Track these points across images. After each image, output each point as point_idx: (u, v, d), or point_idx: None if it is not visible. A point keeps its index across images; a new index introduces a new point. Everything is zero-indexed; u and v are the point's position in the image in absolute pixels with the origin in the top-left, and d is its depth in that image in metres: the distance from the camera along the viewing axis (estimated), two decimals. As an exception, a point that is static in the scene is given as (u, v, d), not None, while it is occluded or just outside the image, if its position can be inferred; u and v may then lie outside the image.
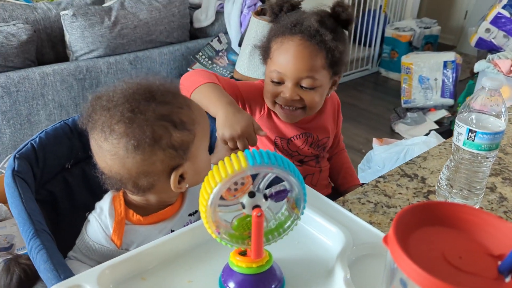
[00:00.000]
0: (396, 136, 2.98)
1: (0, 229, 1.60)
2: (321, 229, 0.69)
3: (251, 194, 0.55)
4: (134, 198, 0.80)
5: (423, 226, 0.44)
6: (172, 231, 0.80)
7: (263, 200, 0.55)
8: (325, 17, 1.05)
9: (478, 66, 2.58)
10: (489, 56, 2.64)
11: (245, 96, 1.13)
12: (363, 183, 1.21)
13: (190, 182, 0.78)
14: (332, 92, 1.19)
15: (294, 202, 0.58)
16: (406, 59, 3.35)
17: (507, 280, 0.39)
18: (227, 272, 0.59)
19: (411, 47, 3.86)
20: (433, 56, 3.27)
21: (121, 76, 2.23)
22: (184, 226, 0.80)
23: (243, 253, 0.58)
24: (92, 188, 0.90)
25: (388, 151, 2.00)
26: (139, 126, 0.69)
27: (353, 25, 1.10)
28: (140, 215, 0.79)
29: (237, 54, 2.50)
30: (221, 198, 0.54)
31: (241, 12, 2.50)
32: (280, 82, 1.06)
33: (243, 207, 0.55)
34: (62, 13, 2.12)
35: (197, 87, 0.97)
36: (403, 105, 3.31)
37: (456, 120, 0.81)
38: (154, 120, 0.70)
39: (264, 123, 1.15)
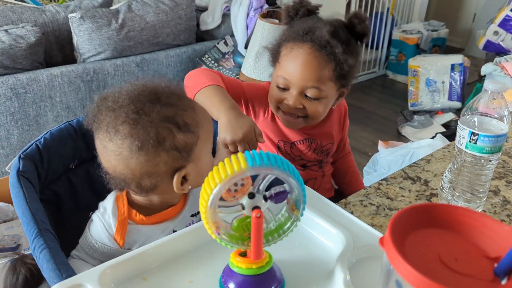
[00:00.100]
0: (403, 139, 2.97)
1: (7, 229, 1.62)
2: (321, 231, 0.69)
3: (251, 195, 0.55)
4: (137, 198, 0.80)
5: (420, 228, 0.44)
6: (174, 231, 0.80)
7: (263, 201, 0.56)
8: (339, 27, 1.02)
9: (485, 69, 2.56)
10: (496, 59, 2.63)
11: (249, 96, 1.13)
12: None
13: (193, 183, 0.78)
14: None
15: (294, 203, 0.58)
16: (413, 62, 3.34)
17: (503, 282, 0.39)
18: (227, 273, 0.60)
19: (418, 49, 3.84)
20: (440, 59, 3.26)
21: (128, 78, 2.25)
22: (186, 226, 0.80)
23: (243, 254, 0.59)
24: (96, 189, 0.91)
25: (393, 154, 1.99)
26: (144, 127, 0.70)
27: (368, 39, 1.08)
28: (143, 215, 0.80)
29: (243, 57, 2.51)
30: (221, 199, 0.54)
31: (248, 14, 2.51)
32: (285, 89, 1.04)
33: (243, 208, 0.56)
34: (70, 15, 2.14)
35: (200, 89, 0.97)
36: (410, 108, 3.30)
37: (459, 123, 0.81)
38: (158, 121, 0.71)
39: (268, 126, 1.15)
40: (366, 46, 3.93)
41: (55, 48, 2.24)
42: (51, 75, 2.03)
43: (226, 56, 2.57)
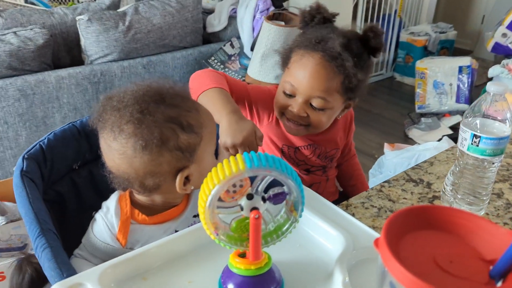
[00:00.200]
0: (409, 141, 2.95)
1: (15, 228, 1.63)
2: (321, 232, 0.69)
3: (249, 196, 0.55)
4: (140, 198, 0.81)
5: (416, 230, 0.44)
6: (176, 231, 0.81)
7: (261, 202, 0.56)
8: (353, 40, 1.00)
9: (493, 71, 2.55)
10: (504, 61, 2.61)
11: (253, 99, 1.12)
12: (370, 189, 1.20)
13: (195, 184, 0.79)
14: None
15: (293, 205, 0.58)
16: (421, 64, 3.32)
17: (498, 285, 0.39)
18: (227, 274, 0.60)
19: (426, 52, 3.82)
20: (448, 61, 3.24)
21: (135, 80, 2.26)
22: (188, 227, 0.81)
23: (242, 255, 0.59)
24: (99, 189, 0.92)
25: (399, 157, 1.98)
26: (148, 127, 0.71)
27: (381, 54, 1.05)
28: (146, 215, 0.80)
29: (249, 59, 2.51)
30: (220, 199, 0.54)
31: (254, 17, 2.52)
32: (291, 95, 1.04)
33: (241, 209, 0.56)
34: (78, 18, 2.16)
35: (203, 91, 0.98)
36: (417, 111, 3.28)
37: (461, 125, 0.80)
38: (162, 121, 0.72)
39: (272, 130, 1.15)
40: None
41: (63, 50, 2.26)
42: (58, 76, 2.05)
43: (232, 58, 2.58)
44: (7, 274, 1.44)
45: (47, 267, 0.64)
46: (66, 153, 0.88)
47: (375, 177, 2.06)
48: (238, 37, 2.63)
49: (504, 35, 3.10)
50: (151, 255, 0.64)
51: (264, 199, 0.56)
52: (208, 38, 2.66)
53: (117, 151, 0.73)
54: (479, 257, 0.42)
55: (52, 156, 0.85)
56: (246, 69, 2.50)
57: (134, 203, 0.81)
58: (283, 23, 2.38)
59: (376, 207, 0.89)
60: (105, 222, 0.79)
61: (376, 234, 0.67)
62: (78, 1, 3.46)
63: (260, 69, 2.32)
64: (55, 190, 0.87)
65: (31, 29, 2.00)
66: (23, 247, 1.61)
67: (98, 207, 0.82)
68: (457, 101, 3.17)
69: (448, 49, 3.98)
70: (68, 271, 0.62)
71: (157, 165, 0.73)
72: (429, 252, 0.42)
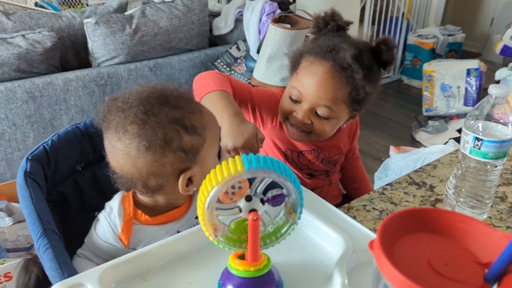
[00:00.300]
0: (417, 144, 2.94)
1: (22, 229, 1.65)
2: (321, 235, 0.69)
3: (248, 198, 0.56)
4: (143, 198, 0.82)
5: (411, 232, 0.44)
6: (178, 232, 0.81)
7: (260, 204, 0.56)
8: (364, 51, 0.99)
9: (499, 74, 2.53)
10: (511, 64, 2.59)
11: (257, 102, 1.12)
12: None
13: (198, 185, 0.79)
14: None
15: (292, 207, 0.58)
16: (428, 67, 3.30)
17: (493, 288, 0.39)
18: (226, 275, 0.60)
19: (434, 54, 3.80)
20: (456, 64, 3.22)
21: (141, 82, 2.28)
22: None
23: (241, 257, 0.59)
24: (102, 191, 0.93)
25: (405, 159, 1.97)
26: (152, 128, 0.72)
27: (391, 68, 1.05)
28: (148, 216, 0.81)
29: (255, 61, 2.52)
30: (219, 201, 0.55)
31: (260, 19, 2.52)
32: (297, 101, 1.03)
33: (240, 210, 0.56)
34: (85, 21, 2.18)
35: (206, 94, 0.98)
36: (425, 113, 3.26)
37: (463, 128, 0.80)
38: (166, 123, 0.73)
39: (276, 134, 1.14)
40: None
41: (71, 53, 2.28)
42: (66, 79, 2.07)
43: (238, 61, 2.58)
44: (13, 274, 1.45)
45: (49, 267, 0.65)
46: (69, 155, 0.89)
47: (380, 180, 2.05)
48: (244, 40, 2.64)
49: (512, 37, 3.08)
50: (151, 256, 0.64)
51: (262, 201, 0.56)
52: (215, 40, 2.68)
53: (121, 151, 0.74)
54: (475, 260, 0.42)
55: (55, 158, 0.86)
56: (252, 71, 2.51)
57: (137, 204, 0.82)
58: (289, 26, 2.38)
59: (378, 210, 0.89)
60: (108, 222, 0.80)
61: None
62: (87, 4, 3.50)
63: (266, 72, 2.33)
64: (58, 191, 0.88)
65: (39, 32, 2.02)
66: (30, 248, 1.62)
67: (101, 208, 0.83)
68: (465, 104, 3.15)
69: (456, 51, 3.96)
70: (69, 271, 0.63)
71: (160, 166, 0.74)
72: (424, 254, 0.42)
